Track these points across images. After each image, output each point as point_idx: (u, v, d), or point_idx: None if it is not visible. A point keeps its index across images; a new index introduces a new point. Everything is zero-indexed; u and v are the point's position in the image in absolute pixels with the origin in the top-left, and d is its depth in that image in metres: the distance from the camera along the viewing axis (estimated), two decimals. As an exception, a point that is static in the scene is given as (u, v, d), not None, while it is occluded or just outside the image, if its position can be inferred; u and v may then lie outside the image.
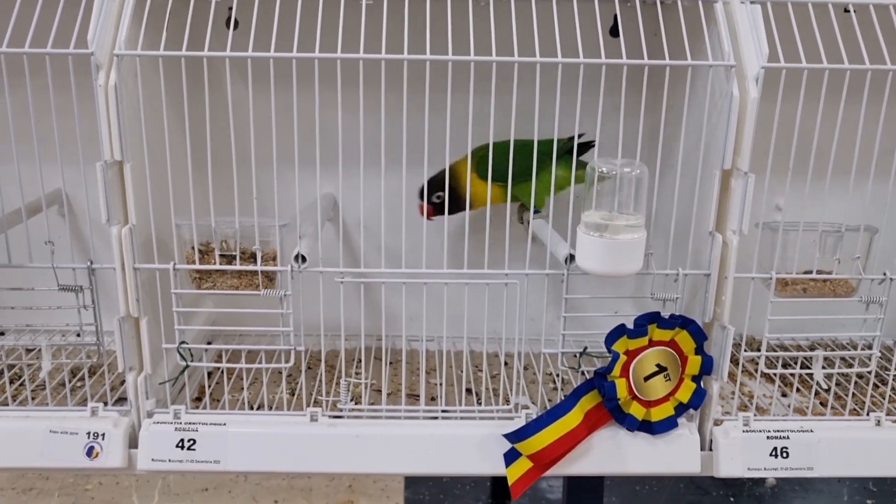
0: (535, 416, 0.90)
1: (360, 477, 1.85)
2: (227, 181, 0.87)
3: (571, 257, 0.87)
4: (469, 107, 0.85)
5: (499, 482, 1.81)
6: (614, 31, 1.06)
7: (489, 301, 0.92)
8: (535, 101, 0.85)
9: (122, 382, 0.94)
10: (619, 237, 0.82)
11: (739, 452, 0.92)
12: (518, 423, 0.91)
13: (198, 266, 0.88)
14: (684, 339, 0.89)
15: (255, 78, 0.82)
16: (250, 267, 0.88)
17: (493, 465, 0.91)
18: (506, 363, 1.08)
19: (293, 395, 1.01)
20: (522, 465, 0.90)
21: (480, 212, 0.95)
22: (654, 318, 0.88)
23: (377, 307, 1.09)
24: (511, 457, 0.90)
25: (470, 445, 0.91)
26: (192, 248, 0.89)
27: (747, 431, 0.92)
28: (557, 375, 1.07)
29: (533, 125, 0.86)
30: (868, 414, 0.95)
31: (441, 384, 1.04)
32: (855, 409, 0.98)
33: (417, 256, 0.91)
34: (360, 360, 1.10)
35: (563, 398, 0.90)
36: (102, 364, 0.98)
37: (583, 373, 0.97)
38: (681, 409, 0.92)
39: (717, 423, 0.94)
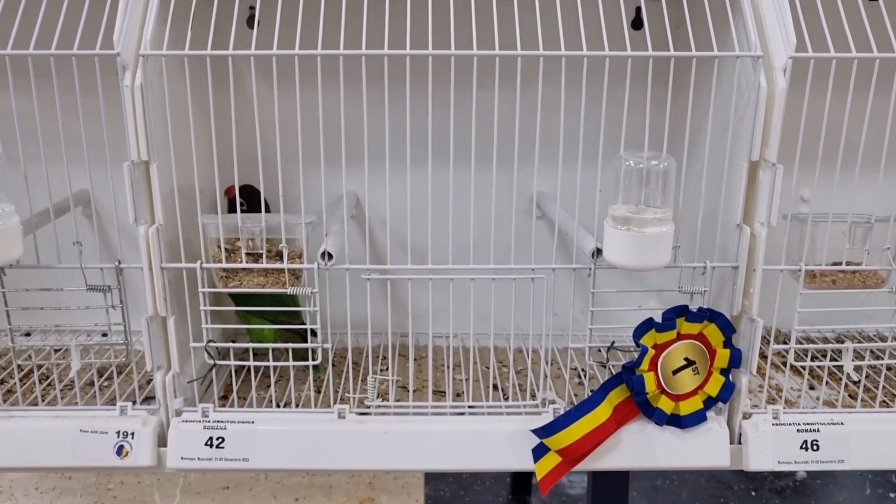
0: (562, 412, 0.90)
1: (380, 474, 1.85)
2: (253, 179, 0.87)
3: (598, 251, 0.87)
4: (494, 102, 0.85)
5: (518, 478, 1.80)
6: (636, 24, 1.05)
7: (515, 297, 0.92)
8: (561, 95, 0.84)
9: (150, 381, 0.95)
10: (647, 230, 0.81)
11: (769, 446, 0.91)
12: (545, 418, 0.91)
13: (224, 265, 0.88)
14: (713, 333, 0.89)
15: (280, 76, 0.83)
16: (277, 265, 0.88)
17: (521, 461, 0.91)
18: (532, 360, 1.08)
19: (319, 392, 1.01)
20: (551, 461, 0.89)
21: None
22: (682, 311, 0.87)
23: (403, 304, 1.10)
24: (539, 452, 0.90)
25: (498, 441, 0.91)
26: (219, 246, 0.89)
27: (777, 424, 0.92)
28: (584, 371, 1.07)
29: (559, 119, 0.86)
30: (899, 406, 0.95)
31: (467, 380, 1.04)
32: (885, 402, 0.97)
33: (443, 253, 0.91)
34: (386, 357, 1.10)
35: (590, 393, 0.90)
36: (130, 363, 0.98)
37: (610, 368, 0.97)
38: (710, 402, 0.91)
39: (745, 416, 0.93)
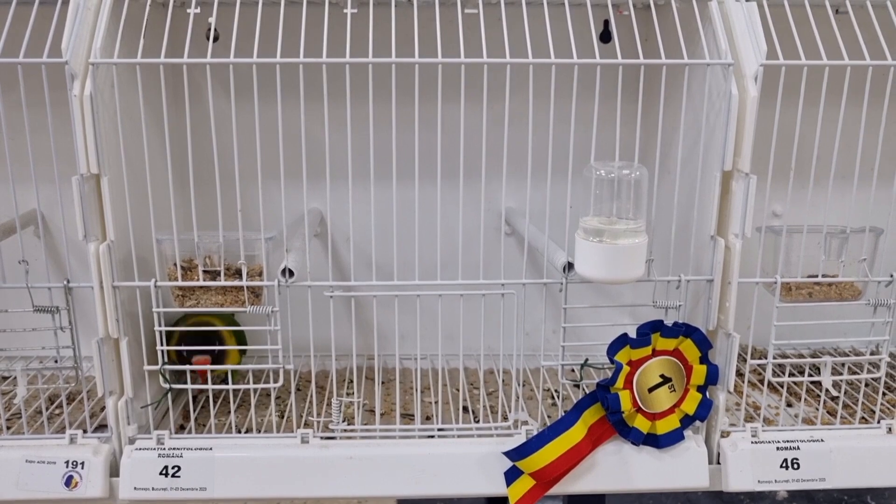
0: (535, 433, 0.86)
1: (352, 501, 1.80)
2: (210, 195, 0.84)
3: (570, 265, 0.84)
4: (460, 114, 0.82)
5: (494, 500, 1.75)
6: (604, 37, 1.04)
7: (485, 315, 0.89)
8: (529, 105, 0.82)
9: (103, 409, 0.90)
10: (620, 242, 0.79)
11: (749, 465, 0.88)
12: (518, 439, 0.87)
13: (181, 283, 0.84)
14: (689, 348, 0.86)
15: (238, 90, 0.79)
16: (236, 282, 0.84)
17: (493, 485, 0.87)
18: (503, 381, 1.05)
19: (283, 417, 0.97)
20: (524, 484, 0.86)
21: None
22: (657, 326, 0.85)
23: (368, 325, 1.06)
24: (512, 475, 0.86)
25: (469, 464, 0.87)
26: (175, 264, 0.85)
27: (756, 443, 0.89)
28: (556, 392, 1.03)
29: (527, 133, 0.83)
30: (879, 422, 0.92)
31: (437, 402, 1.00)
32: (864, 418, 0.94)
33: (410, 271, 0.88)
34: (352, 381, 1.06)
35: (564, 413, 0.86)
36: (81, 390, 0.93)
37: (584, 388, 0.94)
38: (687, 421, 0.88)
39: (724, 434, 0.90)
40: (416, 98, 0.80)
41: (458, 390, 1.05)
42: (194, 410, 0.94)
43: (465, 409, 1.00)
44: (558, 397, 1.01)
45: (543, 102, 0.82)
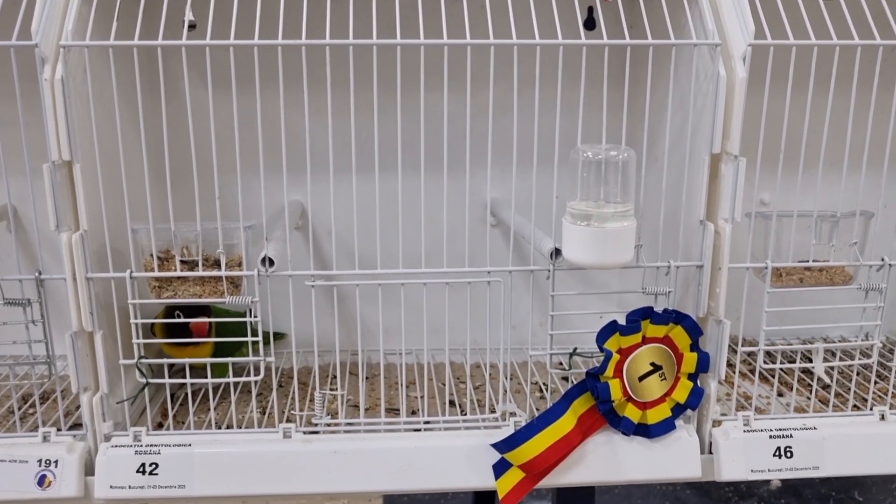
0: (524, 424, 0.84)
1: (336, 496, 1.77)
2: (187, 185, 0.82)
3: (557, 252, 0.82)
4: (444, 99, 0.80)
5: (481, 498, 1.71)
6: (589, 24, 1.02)
7: (471, 307, 0.87)
8: (514, 87, 0.80)
9: (78, 408, 0.87)
10: (608, 225, 0.77)
11: (741, 454, 0.86)
12: (506, 431, 0.85)
13: (157, 273, 0.81)
14: (679, 336, 0.84)
15: (216, 78, 0.77)
16: (214, 272, 0.82)
17: (481, 479, 0.85)
18: (490, 375, 1.03)
19: (264, 413, 0.94)
20: (513, 477, 0.84)
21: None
22: (647, 313, 0.83)
23: (351, 319, 1.04)
24: (501, 468, 0.84)
25: (456, 458, 0.85)
26: (151, 255, 0.82)
27: (748, 431, 0.87)
28: (545, 384, 1.01)
29: (512, 122, 0.82)
30: (871, 409, 0.91)
31: (422, 397, 0.98)
32: (856, 405, 0.93)
33: (393, 262, 0.85)
34: (336, 376, 1.03)
35: (552, 404, 0.84)
36: (55, 387, 0.90)
37: (572, 379, 0.92)
38: (678, 410, 0.86)
39: (715, 423, 0.88)
40: (398, 82, 0.78)
41: (444, 384, 1.03)
42: (172, 408, 0.92)
43: (452, 403, 0.98)
44: (547, 390, 0.99)
45: (528, 90, 0.80)
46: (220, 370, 0.90)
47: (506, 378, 0.91)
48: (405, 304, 0.87)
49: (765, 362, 0.89)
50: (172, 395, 0.93)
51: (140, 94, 0.79)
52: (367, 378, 1.05)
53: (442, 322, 0.90)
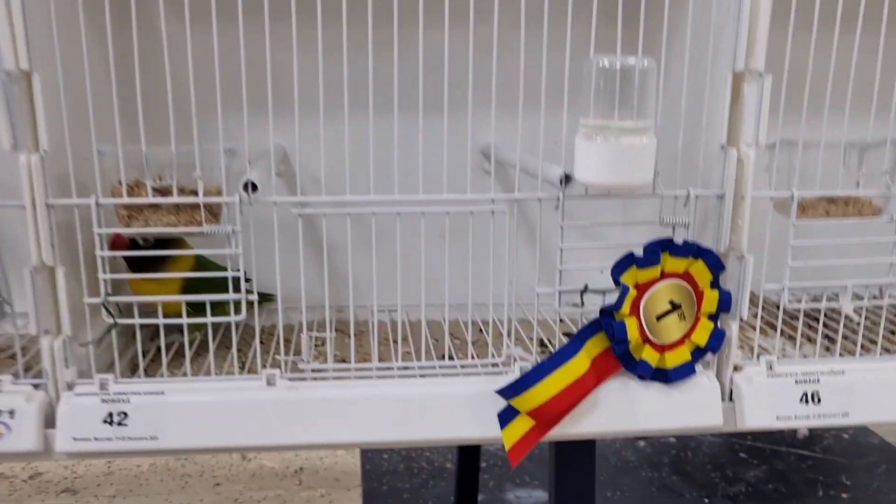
0: (531, 368, 0.77)
1: (324, 447, 1.69)
2: (160, 106, 0.73)
3: (567, 178, 0.75)
4: (444, 36, 0.73)
5: (465, 452, 1.62)
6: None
7: (472, 253, 0.80)
8: (521, 12, 0.73)
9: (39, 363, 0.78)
10: (625, 141, 0.70)
11: (766, 400, 0.80)
12: (511, 377, 0.77)
13: (126, 199, 0.73)
14: (700, 271, 0.78)
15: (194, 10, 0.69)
16: (190, 199, 0.74)
17: (484, 429, 0.77)
18: (493, 323, 0.95)
19: (244, 368, 0.86)
20: (521, 426, 0.76)
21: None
22: (666, 244, 0.76)
23: (341, 274, 0.95)
24: (507, 416, 0.76)
25: (457, 406, 0.77)
26: (119, 182, 0.74)
27: (772, 377, 0.81)
28: (549, 340, 0.94)
29: (518, 59, 0.74)
30: (902, 353, 0.85)
31: (417, 351, 0.90)
32: (886, 349, 0.87)
33: (389, 218, 0.78)
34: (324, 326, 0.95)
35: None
36: (11, 335, 0.81)
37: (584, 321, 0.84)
38: (698, 353, 0.80)
39: (736, 368, 0.82)
40: (395, 15, 0.71)
41: (437, 340, 0.95)
42: (143, 361, 0.83)
43: (451, 357, 0.90)
44: (555, 339, 0.92)
45: (536, 25, 0.73)
46: (197, 323, 0.81)
47: (510, 315, 0.83)
48: (400, 254, 0.79)
49: (788, 315, 0.82)
50: (144, 353, 0.84)
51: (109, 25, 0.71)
52: (355, 335, 0.97)
53: (437, 275, 0.82)
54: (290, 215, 0.77)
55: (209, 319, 0.76)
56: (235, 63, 0.72)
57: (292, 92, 0.74)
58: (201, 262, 0.86)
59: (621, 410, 0.79)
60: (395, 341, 0.95)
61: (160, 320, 0.77)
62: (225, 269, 0.76)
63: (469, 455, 1.57)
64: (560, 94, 0.75)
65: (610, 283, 0.77)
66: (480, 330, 0.98)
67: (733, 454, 2.14)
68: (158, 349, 0.85)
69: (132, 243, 0.80)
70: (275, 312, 0.82)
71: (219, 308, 0.77)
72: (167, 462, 1.82)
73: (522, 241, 0.99)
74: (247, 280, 0.77)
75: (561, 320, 0.89)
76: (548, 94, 0.75)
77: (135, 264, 0.81)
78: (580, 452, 0.90)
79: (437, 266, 0.82)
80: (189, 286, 0.80)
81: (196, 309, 0.78)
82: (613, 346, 0.77)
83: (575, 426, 0.78)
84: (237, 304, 0.76)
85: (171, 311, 0.79)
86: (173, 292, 0.80)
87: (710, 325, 0.79)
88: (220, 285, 0.76)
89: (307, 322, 0.83)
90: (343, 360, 0.87)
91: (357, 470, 1.90)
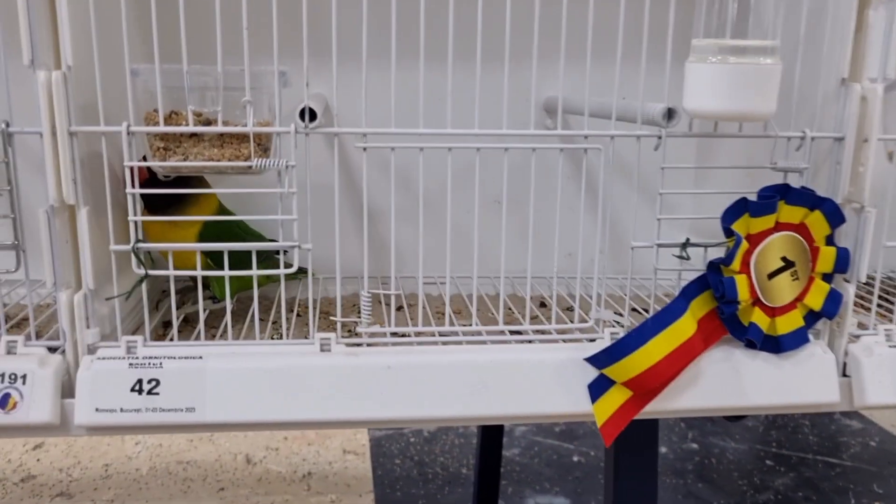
0: (629, 331, 0.66)
1: (386, 423, 1.58)
2: (203, 17, 0.63)
3: (670, 112, 0.65)
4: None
5: (488, 432, 1.50)
6: None
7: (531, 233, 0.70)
8: None
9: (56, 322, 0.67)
10: (749, 60, 0.60)
11: (889, 374, 0.70)
12: (601, 345, 0.67)
13: (163, 128, 0.63)
14: (816, 223, 0.68)
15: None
16: (238, 128, 0.63)
17: (572, 402, 0.67)
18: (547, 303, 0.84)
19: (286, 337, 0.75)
20: (616, 398, 0.66)
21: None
22: (783, 190, 0.66)
23: (384, 245, 0.84)
24: (599, 388, 0.66)
25: (544, 375, 0.67)
26: (155, 110, 0.63)
27: (894, 347, 0.71)
28: (620, 315, 0.84)
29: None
30: None
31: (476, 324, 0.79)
32: None
33: (440, 180, 0.68)
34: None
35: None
36: (23, 288, 0.70)
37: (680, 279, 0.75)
38: (811, 318, 0.70)
39: (852, 339, 0.72)
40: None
41: (491, 315, 0.85)
42: (176, 321, 0.72)
43: (517, 332, 0.78)
44: (651, 300, 0.81)
45: None
46: (234, 283, 0.70)
47: (600, 277, 0.73)
48: (451, 230, 0.69)
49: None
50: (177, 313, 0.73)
51: None
52: (399, 308, 0.86)
53: (490, 248, 0.72)
54: (327, 178, 0.66)
55: (255, 272, 0.65)
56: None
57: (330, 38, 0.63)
58: (223, 209, 0.75)
59: (726, 383, 0.69)
60: (457, 312, 0.84)
61: (198, 272, 0.66)
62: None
63: (489, 459, 1.46)
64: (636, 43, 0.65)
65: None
66: (542, 304, 0.88)
67: (759, 461, 2.05)
68: (187, 313, 0.74)
69: (150, 180, 0.69)
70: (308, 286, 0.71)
71: (245, 266, 0.66)
72: (168, 465, 1.70)
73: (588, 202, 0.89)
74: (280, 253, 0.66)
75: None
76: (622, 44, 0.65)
77: (152, 205, 0.70)
78: (640, 459, 0.80)
79: (493, 236, 0.71)
80: (214, 233, 0.69)
81: (221, 265, 0.67)
82: (721, 306, 0.67)
83: (673, 401, 0.68)
84: (286, 254, 0.65)
85: (190, 265, 0.68)
86: (192, 240, 0.69)
87: (826, 286, 0.69)
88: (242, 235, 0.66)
89: (344, 294, 0.71)
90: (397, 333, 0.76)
91: (368, 475, 1.79)
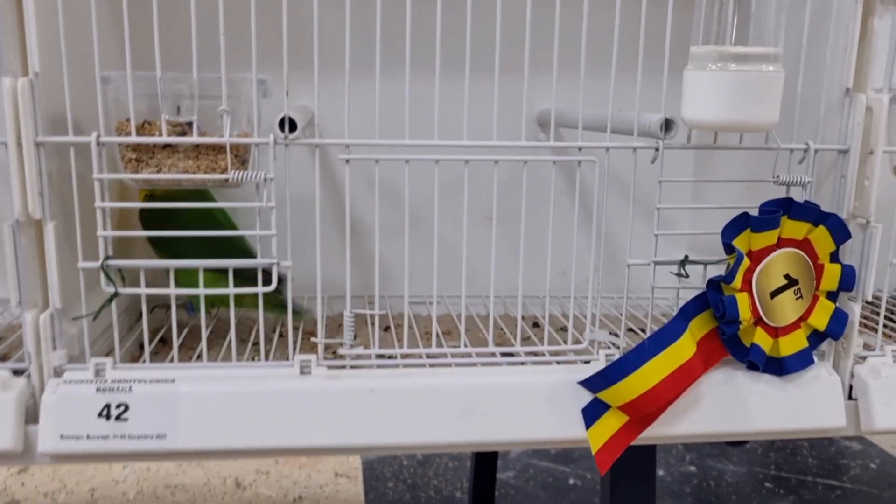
0: (625, 352, 0.63)
1: (372, 450, 1.53)
2: (179, 22, 0.60)
3: (667, 123, 0.63)
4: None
5: (482, 459, 1.45)
6: None
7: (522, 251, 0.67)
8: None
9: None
10: (751, 68, 0.57)
11: (897, 397, 0.67)
12: (596, 367, 0.64)
13: (135, 138, 0.59)
14: (821, 239, 0.65)
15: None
16: (215, 139, 0.60)
17: (564, 428, 0.64)
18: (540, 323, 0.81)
19: (267, 357, 0.72)
20: (611, 424, 0.62)
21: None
22: (786, 204, 0.64)
23: (368, 260, 0.81)
24: (594, 413, 0.63)
25: (535, 399, 0.63)
26: (127, 119, 0.60)
27: (903, 369, 0.68)
28: (615, 334, 0.80)
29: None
30: None
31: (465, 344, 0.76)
32: None
33: (426, 194, 0.65)
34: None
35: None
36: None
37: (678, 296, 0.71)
38: (815, 339, 0.67)
39: (858, 360, 0.69)
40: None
41: (481, 336, 0.81)
42: (149, 344, 0.68)
43: (509, 354, 0.75)
44: (647, 319, 0.78)
45: None
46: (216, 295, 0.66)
47: (595, 294, 0.70)
48: (438, 246, 0.66)
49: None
50: (151, 331, 0.69)
51: None
52: (386, 328, 0.83)
53: (480, 266, 0.69)
54: (310, 191, 0.63)
55: (231, 290, 0.62)
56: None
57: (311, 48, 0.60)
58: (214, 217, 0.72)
59: (727, 407, 0.65)
60: (446, 332, 0.81)
61: (172, 290, 0.62)
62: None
63: (483, 482, 1.42)
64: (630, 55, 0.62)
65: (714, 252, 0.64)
66: (535, 324, 0.85)
67: (758, 483, 2.02)
68: (161, 333, 0.71)
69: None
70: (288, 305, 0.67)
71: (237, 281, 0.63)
72: (156, 489, 1.66)
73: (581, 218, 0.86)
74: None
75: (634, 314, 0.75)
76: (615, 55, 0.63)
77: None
78: (638, 485, 0.77)
79: (483, 253, 0.68)
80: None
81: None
82: (722, 326, 0.63)
83: (672, 426, 0.65)
84: (265, 272, 0.62)
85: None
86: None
87: (831, 305, 0.66)
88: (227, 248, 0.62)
89: (330, 314, 0.69)
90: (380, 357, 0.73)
91: (360, 498, 1.74)
